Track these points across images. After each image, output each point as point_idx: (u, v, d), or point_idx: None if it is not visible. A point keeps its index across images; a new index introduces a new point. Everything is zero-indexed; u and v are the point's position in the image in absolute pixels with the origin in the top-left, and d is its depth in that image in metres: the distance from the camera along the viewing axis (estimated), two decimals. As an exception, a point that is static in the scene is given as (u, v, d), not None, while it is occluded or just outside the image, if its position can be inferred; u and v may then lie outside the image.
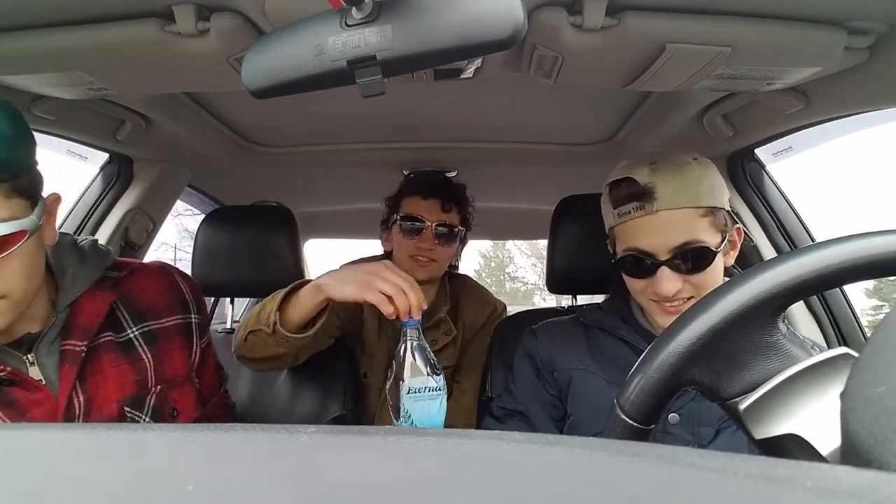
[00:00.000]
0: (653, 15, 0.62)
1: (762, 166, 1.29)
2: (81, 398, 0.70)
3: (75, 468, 0.21)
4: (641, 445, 0.22)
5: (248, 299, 2.30)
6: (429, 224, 1.21)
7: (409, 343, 0.81)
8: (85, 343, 0.71)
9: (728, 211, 0.81)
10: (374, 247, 1.48)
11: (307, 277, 0.97)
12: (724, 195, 0.81)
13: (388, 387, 0.80)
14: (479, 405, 1.14)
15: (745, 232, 0.86)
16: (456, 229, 1.25)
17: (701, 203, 0.77)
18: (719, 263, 0.80)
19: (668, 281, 0.78)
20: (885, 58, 0.70)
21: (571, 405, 0.89)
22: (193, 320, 0.86)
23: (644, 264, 0.80)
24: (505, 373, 1.05)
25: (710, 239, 0.78)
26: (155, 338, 0.80)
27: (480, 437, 0.23)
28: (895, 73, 0.74)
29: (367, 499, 0.18)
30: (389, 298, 0.80)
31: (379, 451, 0.23)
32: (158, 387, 0.79)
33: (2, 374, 0.65)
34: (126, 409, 0.74)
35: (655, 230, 0.78)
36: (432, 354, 0.82)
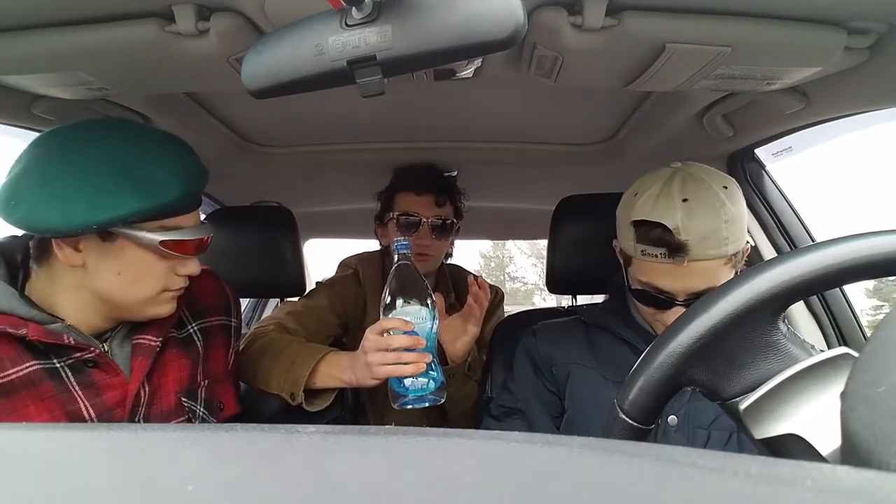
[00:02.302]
0: (653, 15, 0.62)
1: (762, 166, 1.28)
2: (147, 388, 0.75)
3: (75, 468, 0.21)
4: (641, 445, 0.22)
5: (249, 299, 2.30)
6: (424, 220, 1.22)
7: (394, 267, 0.85)
8: (160, 339, 0.77)
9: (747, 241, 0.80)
10: (374, 246, 1.47)
11: (307, 278, 0.98)
12: (745, 230, 0.79)
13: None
14: (479, 403, 1.14)
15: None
16: (450, 222, 1.26)
17: (728, 253, 0.77)
18: None
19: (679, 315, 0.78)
20: (885, 58, 0.70)
21: (568, 400, 0.89)
22: (232, 324, 0.92)
23: (660, 301, 0.80)
24: (504, 373, 1.05)
25: (726, 279, 0.76)
26: (207, 335, 0.87)
27: (480, 437, 0.23)
28: (895, 73, 0.74)
29: (367, 499, 0.18)
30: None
31: (379, 451, 0.23)
32: (206, 381, 0.84)
33: (90, 354, 0.70)
34: (183, 399, 0.80)
35: (679, 277, 0.78)
36: (421, 282, 0.86)
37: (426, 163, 1.38)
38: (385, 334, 0.83)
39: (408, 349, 0.82)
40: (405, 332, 0.82)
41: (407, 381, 0.83)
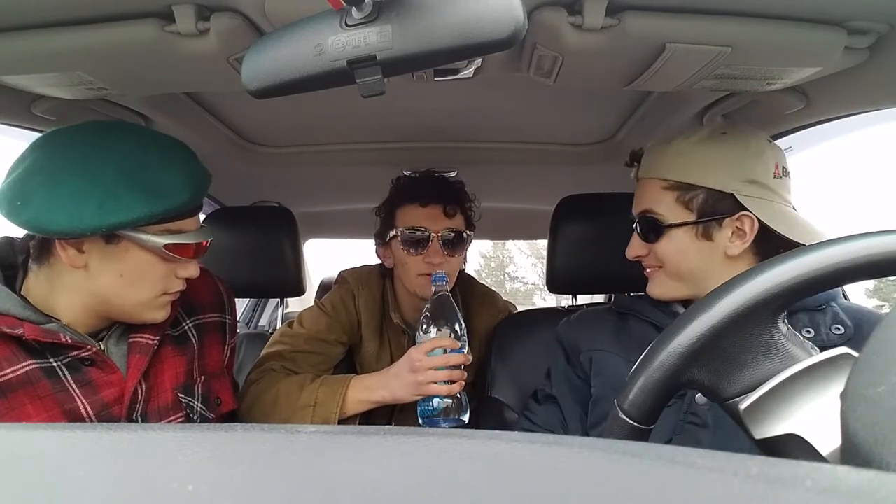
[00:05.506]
0: (653, 15, 0.62)
1: (762, 166, 1.28)
2: (144, 385, 0.76)
3: (75, 468, 0.21)
4: (641, 445, 0.22)
5: (249, 300, 2.30)
6: (434, 234, 1.06)
7: (431, 297, 0.93)
8: (157, 338, 0.78)
9: (731, 195, 0.75)
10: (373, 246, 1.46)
11: (307, 278, 0.99)
12: (716, 175, 0.75)
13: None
14: (480, 406, 1.14)
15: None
16: (464, 234, 1.11)
17: (666, 176, 0.78)
18: (681, 240, 0.77)
19: (632, 244, 0.84)
20: (885, 58, 0.70)
21: (595, 385, 0.90)
22: (227, 321, 0.93)
23: (631, 227, 0.86)
24: (506, 372, 1.06)
25: (668, 213, 0.78)
26: (201, 331, 0.88)
27: (480, 437, 0.23)
28: (895, 73, 0.74)
29: (366, 499, 0.18)
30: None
31: (379, 451, 0.23)
32: (203, 377, 0.85)
33: (87, 353, 0.71)
34: (180, 395, 0.80)
35: (637, 199, 0.84)
36: (454, 314, 0.92)
37: (427, 170, 1.22)
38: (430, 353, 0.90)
39: (453, 367, 0.90)
40: (453, 351, 0.89)
41: (435, 402, 0.89)
